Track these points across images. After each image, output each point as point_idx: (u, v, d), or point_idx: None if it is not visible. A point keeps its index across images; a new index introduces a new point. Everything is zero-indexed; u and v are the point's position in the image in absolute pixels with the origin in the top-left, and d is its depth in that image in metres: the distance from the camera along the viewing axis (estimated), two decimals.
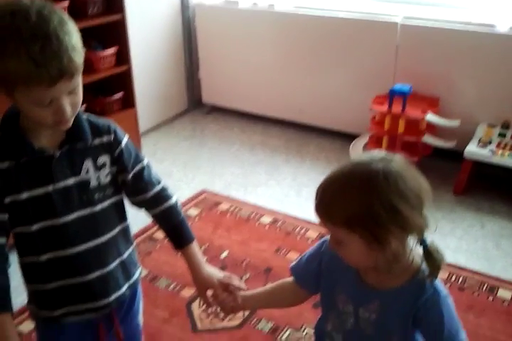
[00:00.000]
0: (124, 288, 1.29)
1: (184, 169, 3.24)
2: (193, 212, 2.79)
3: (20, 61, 0.94)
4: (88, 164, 1.17)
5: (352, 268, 1.11)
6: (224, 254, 2.45)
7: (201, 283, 1.33)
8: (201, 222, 2.70)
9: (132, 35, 2.92)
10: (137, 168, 1.26)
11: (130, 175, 1.25)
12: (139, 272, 1.36)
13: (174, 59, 3.81)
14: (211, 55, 3.82)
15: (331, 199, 0.99)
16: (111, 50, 2.80)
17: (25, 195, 1.12)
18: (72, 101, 1.05)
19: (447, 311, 1.05)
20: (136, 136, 3.04)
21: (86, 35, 2.67)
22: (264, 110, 3.77)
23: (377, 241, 0.98)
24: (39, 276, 1.21)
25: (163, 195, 1.31)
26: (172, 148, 3.51)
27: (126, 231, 1.30)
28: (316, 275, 1.19)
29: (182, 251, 1.33)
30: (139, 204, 1.31)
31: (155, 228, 2.58)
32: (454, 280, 2.25)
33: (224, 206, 2.84)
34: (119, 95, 2.93)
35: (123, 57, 2.86)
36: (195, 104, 4.06)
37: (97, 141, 1.18)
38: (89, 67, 2.72)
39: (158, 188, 1.30)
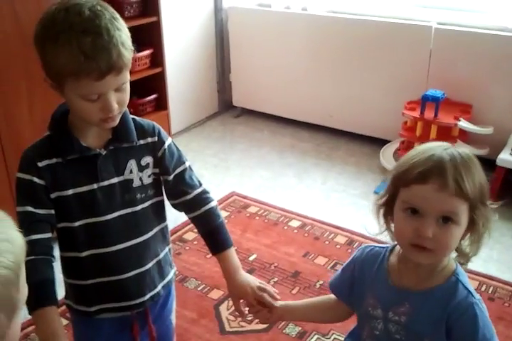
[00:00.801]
0: (159, 287, 1.31)
1: (214, 171, 3.26)
2: (222, 214, 2.79)
3: (72, 53, 0.99)
4: (132, 164, 1.20)
5: (382, 270, 1.11)
6: (252, 257, 2.46)
7: (234, 291, 1.31)
8: (230, 224, 2.71)
9: (166, 37, 2.96)
10: (179, 170, 1.27)
11: (171, 177, 1.26)
12: (174, 272, 1.38)
13: (206, 62, 3.84)
14: (243, 58, 3.84)
15: (463, 175, 0.97)
16: (146, 52, 2.84)
17: (70, 192, 1.16)
18: (119, 98, 1.08)
19: (481, 315, 1.04)
20: None
21: None
22: (294, 114, 3.78)
23: (472, 224, 1.01)
24: (78, 272, 1.25)
25: (202, 198, 1.30)
26: (203, 150, 3.54)
27: (164, 231, 1.32)
28: (350, 284, 1.19)
29: (217, 256, 1.31)
30: (178, 206, 1.31)
31: (185, 229, 2.62)
32: (484, 291, 2.23)
33: (253, 209, 2.85)
34: (152, 97, 2.97)
35: (157, 59, 2.90)
36: (226, 107, 4.09)
37: (141, 142, 1.21)
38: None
39: (198, 191, 1.30)
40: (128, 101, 1.13)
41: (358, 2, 3.42)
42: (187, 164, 1.30)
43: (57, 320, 1.10)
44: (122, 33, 1.05)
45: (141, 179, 1.21)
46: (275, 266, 2.40)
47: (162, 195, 1.29)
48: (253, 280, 1.31)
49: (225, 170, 3.28)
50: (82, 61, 0.99)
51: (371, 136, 3.48)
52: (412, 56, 3.16)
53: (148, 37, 2.84)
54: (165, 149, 1.24)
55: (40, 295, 1.09)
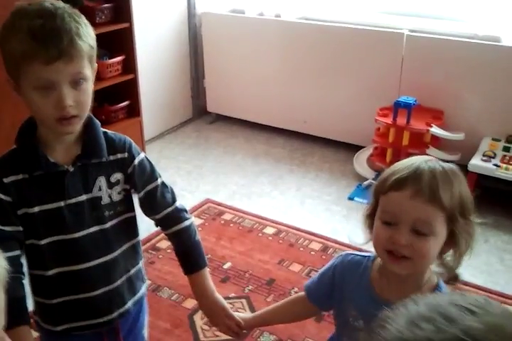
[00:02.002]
0: (129, 304, 1.28)
1: (188, 178, 3.24)
2: (196, 221, 2.78)
3: (22, 36, 0.99)
4: (101, 181, 1.16)
5: (365, 281, 1.10)
6: (227, 265, 2.44)
7: (205, 311, 1.32)
8: (204, 231, 2.69)
9: (139, 43, 2.93)
10: (149, 187, 1.23)
11: (142, 194, 1.23)
12: (145, 287, 1.36)
13: (180, 68, 3.82)
14: (217, 64, 3.82)
15: (439, 183, 0.97)
16: (117, 59, 2.81)
17: (36, 209, 1.12)
18: (76, 97, 1.04)
19: None
20: (140, 145, 3.04)
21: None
22: (269, 120, 3.77)
23: (453, 238, 1.01)
24: (44, 290, 1.21)
25: (175, 217, 1.27)
26: (176, 156, 3.51)
27: (135, 247, 1.29)
28: (327, 291, 1.18)
29: (189, 276, 1.30)
30: (153, 221, 1.29)
31: (158, 237, 2.58)
32: None
33: (227, 216, 2.83)
34: (124, 104, 2.94)
35: (129, 65, 2.87)
36: (199, 113, 4.07)
37: (111, 158, 1.17)
38: (95, 75, 2.73)
39: (169, 209, 1.26)
40: (88, 105, 1.09)
41: (331, 9, 3.44)
42: (159, 181, 1.25)
43: (28, 338, 1.08)
44: (81, 26, 1.03)
45: (110, 196, 1.17)
46: (250, 274, 2.38)
47: (133, 210, 1.25)
48: (222, 300, 1.30)
49: (199, 177, 3.25)
50: (30, 43, 0.99)
51: (345, 141, 3.49)
52: (384, 63, 3.18)
53: (120, 43, 2.82)
54: (135, 165, 1.20)
55: (12, 314, 1.04)
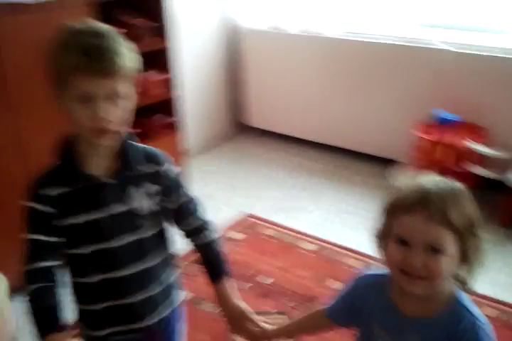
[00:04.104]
0: (165, 312, 1.34)
1: (228, 192, 3.27)
2: (237, 236, 2.81)
3: (73, 51, 1.07)
4: (137, 193, 1.22)
5: (386, 300, 1.12)
6: (268, 280, 2.46)
7: (227, 317, 1.36)
8: (245, 247, 2.71)
9: (182, 60, 2.99)
10: (181, 200, 1.31)
11: (175, 206, 1.30)
12: (182, 296, 1.42)
13: (221, 83, 3.88)
14: (257, 79, 3.87)
15: (448, 204, 1.00)
16: (161, 76, 2.86)
17: (80, 220, 1.19)
18: (112, 112, 1.11)
19: (484, 337, 1.05)
20: (182, 160, 3.08)
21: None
22: (307, 134, 3.80)
23: (464, 254, 1.02)
24: (87, 297, 1.28)
25: (204, 229, 1.35)
26: (217, 170, 3.56)
27: (170, 258, 1.36)
28: (349, 313, 1.21)
29: (213, 285, 1.36)
30: (182, 233, 1.37)
31: None
32: (496, 317, 2.21)
33: (267, 231, 2.85)
34: (166, 119, 2.98)
35: (173, 82, 2.92)
36: (239, 128, 4.12)
37: (148, 171, 1.24)
38: (140, 91, 2.79)
39: (199, 222, 1.34)
40: (124, 121, 1.15)
41: (369, 25, 3.44)
42: (191, 195, 1.33)
43: None
44: (123, 47, 1.12)
45: (146, 208, 1.24)
46: (291, 290, 2.39)
47: (167, 222, 1.32)
48: (245, 306, 1.35)
49: (239, 191, 3.28)
50: (77, 58, 1.06)
51: (378, 155, 3.49)
52: (421, 77, 3.17)
53: (163, 61, 2.86)
54: (169, 179, 1.27)
55: (45, 323, 1.15)
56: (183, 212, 1.32)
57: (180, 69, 3.00)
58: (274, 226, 2.89)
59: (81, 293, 1.29)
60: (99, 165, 1.19)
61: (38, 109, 2.22)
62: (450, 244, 1.00)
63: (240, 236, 2.81)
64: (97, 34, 1.10)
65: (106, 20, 2.45)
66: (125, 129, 1.19)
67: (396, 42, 3.22)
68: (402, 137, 3.15)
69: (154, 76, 2.85)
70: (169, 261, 1.35)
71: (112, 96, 1.11)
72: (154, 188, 1.24)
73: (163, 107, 2.96)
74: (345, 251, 2.65)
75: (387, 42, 3.25)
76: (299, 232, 2.83)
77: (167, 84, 2.90)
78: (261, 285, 2.42)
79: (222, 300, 1.34)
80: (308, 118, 3.73)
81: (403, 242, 1.02)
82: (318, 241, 2.74)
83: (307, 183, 3.36)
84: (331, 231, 2.84)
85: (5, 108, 2.19)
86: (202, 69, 3.67)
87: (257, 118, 4.02)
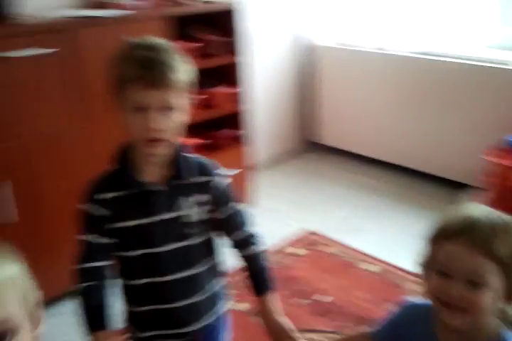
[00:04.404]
0: (209, 319, 1.36)
1: (292, 207, 3.26)
2: (299, 252, 2.79)
3: (129, 64, 1.14)
4: (186, 201, 1.26)
5: (430, 332, 1.08)
6: (328, 299, 2.41)
7: (269, 332, 1.35)
8: (306, 263, 2.68)
9: (254, 74, 3.03)
10: (231, 211, 1.33)
11: (223, 216, 1.32)
12: (226, 306, 1.43)
13: (292, 99, 3.90)
14: (329, 97, 3.86)
15: (496, 235, 0.96)
16: (230, 89, 2.90)
17: (131, 223, 1.24)
18: (163, 123, 1.15)
19: None
20: (247, 173, 3.10)
21: (209, 74, 2.78)
22: (376, 153, 3.74)
23: (510, 290, 0.97)
24: (134, 299, 1.33)
25: (250, 241, 1.36)
26: (283, 186, 3.56)
27: (217, 266, 1.38)
28: (392, 338, 1.18)
29: (257, 299, 1.36)
30: (230, 244, 1.38)
31: None
32: None
33: (330, 249, 2.81)
34: (235, 132, 3.02)
35: (242, 96, 2.95)
36: (309, 145, 4.11)
37: (197, 180, 1.27)
38: (208, 103, 2.86)
39: (246, 233, 1.36)
40: (175, 131, 1.19)
41: (444, 45, 3.37)
42: (239, 207, 1.35)
43: None
44: (177, 61, 1.16)
45: (194, 216, 1.27)
46: (349, 311, 2.34)
47: (216, 232, 1.35)
48: (287, 323, 1.33)
49: (303, 207, 3.26)
50: (133, 70, 1.13)
51: (447, 178, 3.38)
52: (496, 100, 3.05)
53: (234, 74, 2.91)
54: (218, 189, 1.29)
55: (92, 321, 1.22)
56: (231, 224, 1.34)
57: (251, 84, 3.03)
58: (336, 245, 2.84)
59: (129, 295, 1.34)
60: (151, 172, 1.24)
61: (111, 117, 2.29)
62: (494, 278, 0.95)
63: (301, 252, 2.79)
64: (153, 48, 1.15)
65: (179, 35, 2.56)
66: (177, 140, 1.23)
67: (472, 63, 3.13)
68: (472, 160, 3.04)
69: (224, 90, 2.90)
70: (215, 270, 1.38)
71: (164, 108, 1.15)
72: (203, 198, 1.28)
73: (231, 121, 3.00)
74: (407, 275, 2.57)
75: (463, 62, 3.16)
76: (361, 252, 2.77)
77: (236, 98, 2.94)
78: (318, 303, 2.38)
79: (265, 315, 1.35)
80: (379, 138, 3.67)
81: (445, 272, 0.99)
82: (380, 263, 2.67)
83: (372, 203, 3.30)
84: (394, 253, 2.76)
85: (85, 115, 2.28)
86: (273, 85, 3.70)
87: (327, 136, 4.00)
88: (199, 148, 2.86)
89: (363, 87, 3.64)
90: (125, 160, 1.24)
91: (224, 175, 1.32)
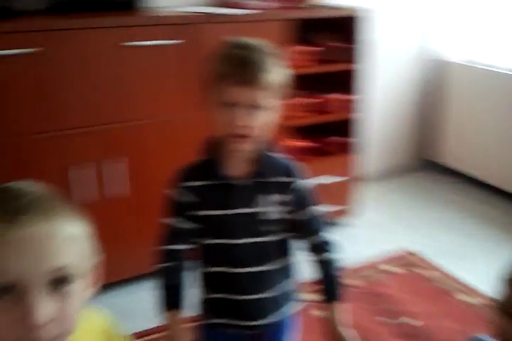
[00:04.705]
0: (274, 317, 1.37)
1: (395, 225, 3.14)
2: (394, 270, 2.68)
3: (223, 61, 1.19)
4: (263, 199, 1.27)
5: None
6: (416, 323, 2.28)
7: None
8: (399, 283, 2.56)
9: (372, 83, 2.95)
10: (309, 215, 1.33)
11: (298, 219, 1.32)
12: (295, 306, 1.43)
13: (411, 114, 3.77)
14: (455, 116, 3.66)
15: None
16: (344, 96, 2.85)
17: (207, 213, 1.28)
18: (252, 120, 1.18)
19: None
20: (353, 183, 3.03)
21: (325, 79, 2.75)
22: (495, 179, 3.48)
23: None
24: (206, 285, 1.38)
25: (320, 247, 1.34)
26: (389, 201, 3.45)
27: (289, 266, 1.38)
28: None
29: (325, 306, 1.34)
30: (305, 247, 1.36)
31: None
32: None
33: (427, 273, 2.66)
34: (345, 139, 2.96)
35: (358, 104, 2.89)
36: (423, 163, 3.94)
37: (278, 180, 1.28)
38: (321, 108, 2.83)
39: (317, 239, 1.34)
40: (262, 129, 1.21)
41: None
42: (314, 210, 1.34)
43: (178, 324, 1.28)
44: (271, 62, 1.19)
45: (271, 214, 1.28)
46: (439, 340, 2.19)
47: (289, 232, 1.34)
48: (352, 334, 1.32)
49: (406, 226, 3.13)
50: (226, 67, 1.17)
51: None
52: None
53: (351, 82, 2.85)
54: (299, 191, 1.30)
55: (168, 299, 1.29)
56: (308, 228, 1.34)
57: (368, 92, 2.96)
58: (435, 270, 2.69)
59: (204, 281, 1.38)
60: (235, 167, 1.27)
61: None
62: None
63: (396, 270, 2.67)
64: (249, 48, 1.19)
65: (299, 38, 2.56)
66: (263, 138, 1.26)
67: None
68: None
69: (339, 96, 2.85)
70: (288, 270, 1.39)
71: (252, 106, 1.18)
72: (283, 198, 1.29)
73: (343, 128, 2.95)
74: None
75: None
76: (461, 282, 2.58)
77: (351, 105, 2.88)
78: (405, 326, 2.26)
79: (329, 324, 1.33)
80: (503, 164, 3.41)
81: None
82: (479, 296, 2.48)
83: (481, 231, 3.08)
84: (497, 287, 2.55)
85: (197, 104, 2.34)
86: (392, 96, 3.59)
87: (445, 156, 3.80)
88: (306, 152, 2.86)
89: (496, 110, 3.38)
90: (213, 153, 1.28)
91: (307, 177, 1.33)
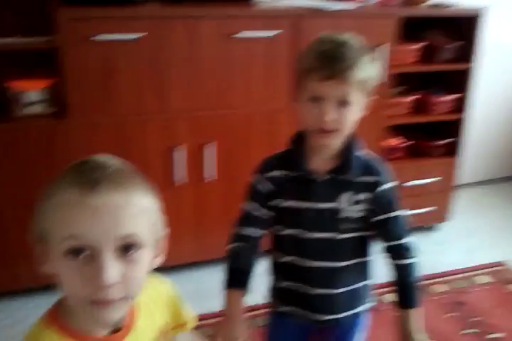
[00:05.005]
0: (343, 315, 1.35)
1: (491, 234, 3.00)
2: (483, 279, 2.57)
3: (311, 55, 1.19)
4: (345, 196, 1.25)
5: None
6: (494, 335, 2.19)
7: None
8: (486, 293, 2.46)
9: (482, 84, 2.83)
10: (386, 215, 1.28)
11: (378, 220, 1.29)
12: (366, 306, 1.40)
13: None
14: None
15: None
16: (450, 97, 2.76)
17: (287, 203, 1.29)
18: (338, 114, 1.17)
19: None
20: (450, 186, 2.93)
21: (432, 78, 2.66)
22: None
23: None
24: (276, 273, 1.39)
25: (399, 252, 1.30)
26: (487, 208, 3.29)
27: (363, 265, 1.36)
28: None
29: (399, 310, 1.31)
30: (383, 247, 1.33)
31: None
32: None
33: None
34: (445, 141, 2.86)
35: (462, 105, 2.78)
36: None
37: (361, 178, 1.26)
38: (424, 107, 2.76)
39: (395, 243, 1.30)
40: (349, 123, 1.20)
41: None
42: (396, 213, 1.29)
43: (236, 303, 1.28)
44: (361, 59, 1.17)
45: (349, 212, 1.26)
46: None
47: (370, 232, 1.32)
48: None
49: (503, 237, 2.97)
50: (314, 61, 1.17)
51: None
52: None
53: (460, 81, 2.75)
54: (380, 191, 1.27)
55: (231, 279, 1.29)
56: (388, 229, 1.30)
57: (477, 94, 2.84)
58: None
59: (275, 269, 1.39)
60: (318, 161, 1.27)
61: None
62: None
63: (483, 279, 2.56)
64: (340, 43, 1.18)
65: (407, 35, 2.51)
66: (349, 135, 1.25)
67: None
68: None
69: (445, 96, 2.77)
70: (362, 269, 1.36)
71: (339, 101, 1.17)
72: (363, 196, 1.26)
73: (446, 128, 2.85)
74: None
75: None
76: None
77: (457, 106, 2.78)
78: (483, 337, 2.17)
79: (402, 330, 1.30)
80: None
81: None
82: None
83: None
84: None
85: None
86: (502, 100, 3.40)
87: None
88: (405, 151, 2.81)
89: None
90: (298, 145, 1.29)
91: (391, 178, 1.30)
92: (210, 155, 2.37)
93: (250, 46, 2.27)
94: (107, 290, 0.77)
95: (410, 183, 2.76)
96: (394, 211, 1.29)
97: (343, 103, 1.17)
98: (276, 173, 1.29)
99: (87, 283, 0.77)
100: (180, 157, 2.33)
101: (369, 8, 2.50)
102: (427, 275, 2.46)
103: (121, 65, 2.13)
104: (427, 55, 2.68)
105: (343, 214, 1.26)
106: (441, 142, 2.86)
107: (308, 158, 1.27)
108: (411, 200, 2.71)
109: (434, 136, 2.87)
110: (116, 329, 0.89)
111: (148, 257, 0.85)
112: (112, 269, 0.77)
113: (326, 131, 1.19)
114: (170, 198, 2.33)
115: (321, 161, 1.26)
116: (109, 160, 0.85)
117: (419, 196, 2.85)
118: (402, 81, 2.74)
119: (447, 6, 2.64)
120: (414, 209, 2.76)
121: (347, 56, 1.16)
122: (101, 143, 2.18)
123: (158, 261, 0.91)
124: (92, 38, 2.02)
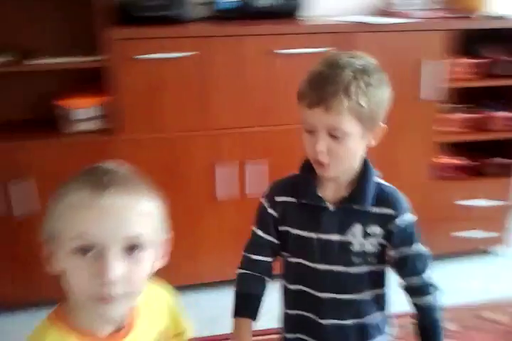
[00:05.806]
0: None
1: None
2: None
3: (305, 80, 1.10)
4: (357, 228, 1.17)
5: None
6: None
7: None
8: None
9: None
10: (403, 250, 1.19)
11: (394, 255, 1.20)
12: (381, 339, 1.30)
13: None
14: None
15: None
16: (506, 113, 2.63)
17: (294, 231, 1.22)
18: (330, 146, 1.07)
19: None
20: (505, 210, 2.78)
21: (490, 94, 2.52)
22: None
23: None
24: (285, 300, 1.32)
25: (419, 289, 1.22)
26: None
27: (378, 297, 1.27)
28: None
29: None
30: (402, 285, 1.25)
31: None
32: None
33: None
34: (505, 160, 2.73)
35: None
36: None
37: (375, 210, 1.16)
38: (483, 125, 2.65)
39: (415, 279, 1.21)
40: (344, 158, 1.10)
41: None
42: (415, 248, 1.19)
43: (245, 331, 1.22)
44: (358, 84, 1.04)
45: (362, 245, 1.17)
46: None
47: (386, 267, 1.24)
48: None
49: None
50: (306, 84, 1.08)
51: None
52: None
53: None
54: (397, 225, 1.16)
55: (240, 306, 1.23)
56: (408, 266, 1.20)
57: None
58: None
59: (284, 296, 1.33)
60: (329, 189, 1.19)
61: None
62: None
63: None
64: (334, 64, 1.06)
65: (463, 50, 2.41)
66: (353, 165, 1.16)
67: None
68: None
69: (504, 113, 2.65)
70: (377, 301, 1.27)
71: (333, 132, 1.06)
72: (377, 230, 1.17)
73: (505, 148, 2.72)
74: None
75: None
76: None
77: None
78: None
79: None
80: None
81: None
82: None
83: None
84: None
85: None
86: None
87: None
88: (461, 170, 2.70)
89: None
90: (309, 171, 1.19)
91: (409, 209, 1.19)
92: (255, 171, 2.36)
93: (294, 62, 2.26)
94: (110, 286, 0.82)
95: (464, 203, 2.65)
96: (415, 247, 1.19)
97: (336, 133, 1.06)
98: (282, 198, 1.23)
99: (93, 278, 0.82)
100: (229, 173, 2.34)
101: (421, 22, 2.43)
102: (480, 301, 2.34)
103: (168, 83, 2.18)
104: (487, 70, 2.57)
105: (356, 248, 1.17)
106: (502, 161, 2.73)
107: (319, 186, 1.19)
108: (464, 222, 2.64)
109: (494, 155, 2.75)
110: (118, 329, 0.93)
111: (150, 258, 0.89)
112: (117, 267, 0.82)
113: (320, 163, 1.11)
114: (212, 213, 2.37)
115: (332, 190, 1.18)
116: (119, 166, 0.90)
117: (476, 218, 2.73)
118: (458, 96, 2.65)
119: (501, 17, 2.54)
120: (467, 230, 2.69)
121: (338, 79, 1.03)
122: (147, 159, 2.23)
123: (160, 264, 0.94)
124: (139, 57, 2.09)
